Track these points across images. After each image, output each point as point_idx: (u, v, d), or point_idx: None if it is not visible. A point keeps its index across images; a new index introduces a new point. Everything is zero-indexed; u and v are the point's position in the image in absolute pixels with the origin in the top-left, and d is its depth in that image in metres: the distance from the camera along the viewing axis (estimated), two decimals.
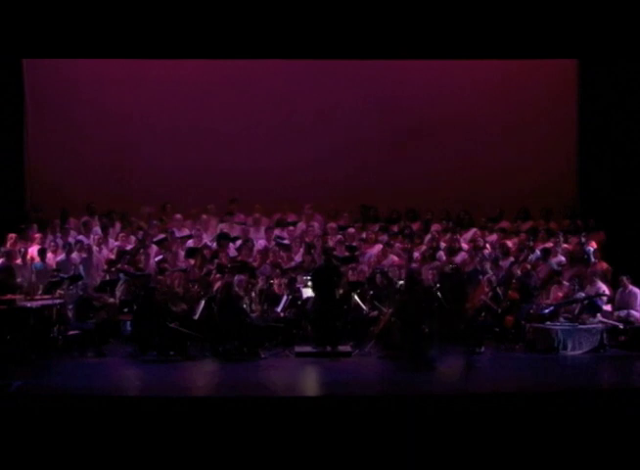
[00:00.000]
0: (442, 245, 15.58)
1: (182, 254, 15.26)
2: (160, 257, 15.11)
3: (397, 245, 15.56)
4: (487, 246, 15.51)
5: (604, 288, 14.09)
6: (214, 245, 15.50)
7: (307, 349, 13.75)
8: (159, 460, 9.81)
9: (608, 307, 13.98)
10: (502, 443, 9.95)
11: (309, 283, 14.18)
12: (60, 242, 15.31)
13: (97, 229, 15.93)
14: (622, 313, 13.74)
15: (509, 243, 15.51)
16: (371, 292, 14.37)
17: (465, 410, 10.54)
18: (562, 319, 13.49)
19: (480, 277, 14.31)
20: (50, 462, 9.76)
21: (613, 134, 16.95)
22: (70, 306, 13.93)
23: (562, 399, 10.94)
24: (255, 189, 17.21)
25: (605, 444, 9.90)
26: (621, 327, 13.66)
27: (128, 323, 13.98)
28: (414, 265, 14.65)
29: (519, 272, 14.28)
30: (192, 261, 14.93)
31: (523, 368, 12.76)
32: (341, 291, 13.88)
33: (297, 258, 15.29)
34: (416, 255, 15.13)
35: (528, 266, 14.39)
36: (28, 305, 13.26)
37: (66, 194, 16.92)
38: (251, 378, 12.19)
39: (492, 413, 10.41)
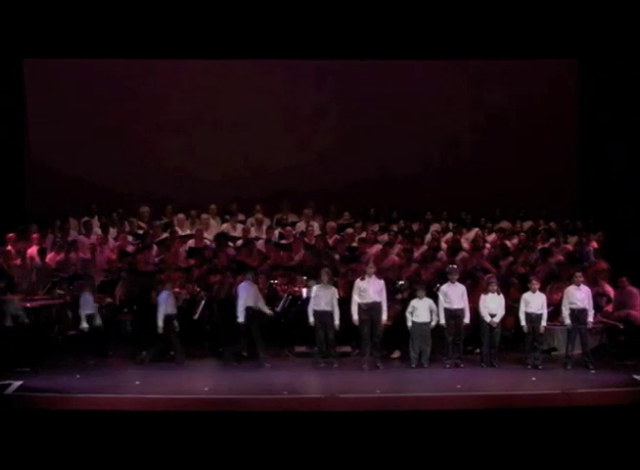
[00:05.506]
0: (443, 245, 15.58)
1: (182, 253, 15.24)
2: (161, 256, 15.09)
3: (397, 245, 15.55)
4: (487, 245, 15.51)
5: (606, 288, 14.09)
6: (214, 245, 15.48)
7: (307, 349, 13.74)
8: (158, 460, 9.81)
9: (608, 308, 13.97)
10: (501, 441, 9.97)
11: (309, 283, 14.15)
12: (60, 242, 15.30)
13: (97, 229, 15.92)
14: (622, 313, 13.72)
15: (509, 243, 15.51)
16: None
17: (465, 410, 10.57)
18: (562, 319, 13.45)
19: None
20: (50, 462, 9.76)
21: (612, 134, 16.94)
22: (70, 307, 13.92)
23: (561, 400, 10.97)
24: (256, 189, 17.22)
25: (604, 444, 9.90)
26: (621, 327, 13.65)
27: (128, 323, 13.99)
28: (415, 265, 14.65)
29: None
30: (192, 261, 14.91)
31: (522, 368, 12.78)
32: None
33: (298, 258, 15.27)
34: (416, 255, 15.12)
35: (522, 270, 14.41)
36: (28, 304, 13.26)
37: (66, 194, 16.92)
38: (251, 378, 12.19)
39: (491, 413, 10.43)
